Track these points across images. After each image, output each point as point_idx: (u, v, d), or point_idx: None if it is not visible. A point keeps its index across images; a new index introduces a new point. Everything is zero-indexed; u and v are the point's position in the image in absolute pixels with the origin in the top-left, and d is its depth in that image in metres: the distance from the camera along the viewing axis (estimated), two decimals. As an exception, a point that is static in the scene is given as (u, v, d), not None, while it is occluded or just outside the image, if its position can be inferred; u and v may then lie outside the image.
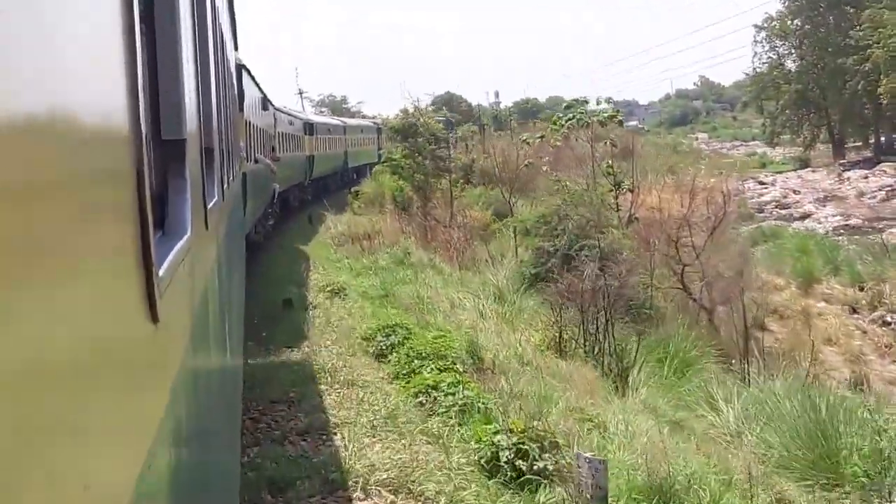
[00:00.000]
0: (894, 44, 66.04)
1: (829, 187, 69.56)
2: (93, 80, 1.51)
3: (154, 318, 1.93)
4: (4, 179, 0.95)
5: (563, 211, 27.33)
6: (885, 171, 69.38)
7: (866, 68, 72.80)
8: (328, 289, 21.91)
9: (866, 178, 69.76)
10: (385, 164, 46.02)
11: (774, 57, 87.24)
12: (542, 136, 50.49)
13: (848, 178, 71.06)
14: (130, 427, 1.71)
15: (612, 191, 31.12)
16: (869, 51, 71.60)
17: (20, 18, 1.05)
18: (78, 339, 1.29)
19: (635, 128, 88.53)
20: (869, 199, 63.73)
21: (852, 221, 56.60)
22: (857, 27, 74.01)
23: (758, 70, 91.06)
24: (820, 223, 56.63)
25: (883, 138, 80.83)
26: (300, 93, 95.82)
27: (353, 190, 47.06)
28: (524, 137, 52.87)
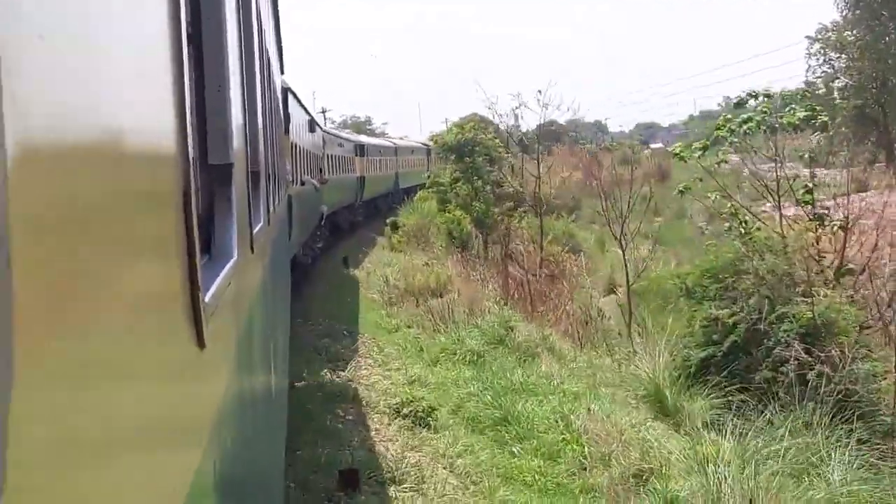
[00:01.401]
0: None
1: None
2: (141, 105, 1.54)
3: (201, 343, 1.95)
4: (56, 202, 0.97)
5: (742, 262, 18.43)
6: None
7: None
8: (404, 409, 14.18)
9: None
10: (430, 189, 40.35)
11: (830, 70, 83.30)
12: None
13: None
14: (177, 452, 1.73)
15: (812, 230, 20.02)
16: None
17: (70, 42, 1.07)
18: (126, 365, 1.30)
19: (661, 150, 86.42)
20: None
21: None
22: None
23: (811, 85, 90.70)
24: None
25: None
26: (323, 111, 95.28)
27: (389, 221, 39.73)
28: (640, 154, 48.71)
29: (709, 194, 23.60)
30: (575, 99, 52.57)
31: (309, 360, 16.98)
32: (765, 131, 21.96)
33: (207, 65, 3.17)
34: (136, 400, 1.37)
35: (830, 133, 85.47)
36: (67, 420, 0.99)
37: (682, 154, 21.95)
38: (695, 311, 17.67)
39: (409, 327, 21.20)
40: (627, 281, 24.04)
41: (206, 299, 2.07)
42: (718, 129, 21.73)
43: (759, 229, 19.95)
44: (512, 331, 18.98)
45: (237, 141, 3.53)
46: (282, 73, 15.48)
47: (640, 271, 25.39)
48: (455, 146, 36.76)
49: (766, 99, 23.74)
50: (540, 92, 32.88)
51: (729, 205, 21.29)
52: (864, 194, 73.90)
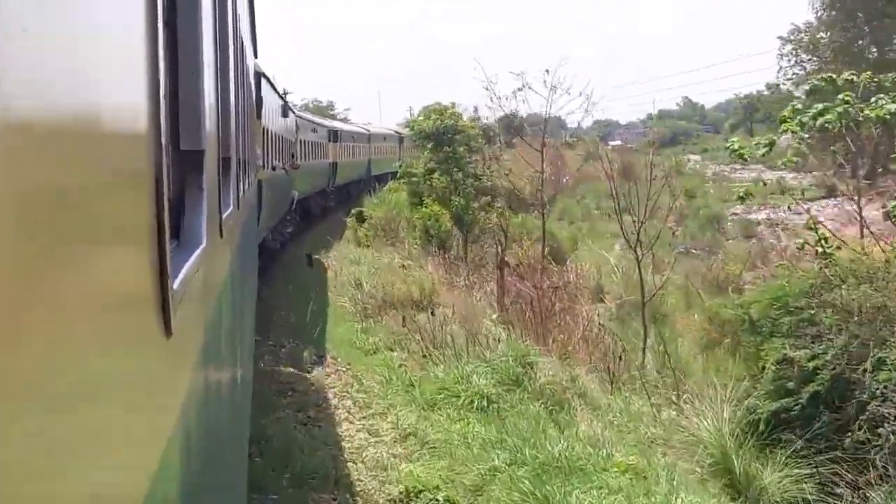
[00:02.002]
0: None
1: (878, 218, 65.60)
2: (115, 90, 1.52)
3: (168, 331, 1.94)
4: (22, 186, 0.96)
5: (823, 290, 14.47)
6: None
7: None
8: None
9: None
10: (401, 179, 38.07)
11: (801, 73, 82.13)
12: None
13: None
14: (142, 439, 1.72)
15: None
16: None
17: (45, 24, 1.06)
18: (92, 353, 1.30)
19: (621, 147, 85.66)
20: None
21: None
22: None
23: (781, 86, 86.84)
24: None
25: None
26: (284, 93, 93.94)
27: (353, 211, 36.81)
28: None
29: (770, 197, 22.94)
30: (589, 82, 49.12)
31: (271, 408, 13.45)
32: (841, 126, 18.74)
33: (182, 50, 3.16)
34: (102, 388, 1.36)
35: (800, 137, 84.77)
36: (32, 407, 0.98)
37: (741, 151, 18.58)
38: (761, 349, 13.62)
39: (390, 349, 17.13)
40: (643, 297, 20.82)
41: (175, 286, 2.06)
42: (785, 121, 18.26)
43: (839, 247, 15.91)
44: (531, 368, 14.98)
45: (209, 127, 3.53)
46: (255, 56, 15.42)
47: (662, 283, 22.66)
48: (433, 133, 33.61)
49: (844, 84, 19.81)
50: (547, 72, 27.99)
51: (808, 219, 17.32)
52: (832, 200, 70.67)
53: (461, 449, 11.82)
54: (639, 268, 21.22)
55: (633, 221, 21.50)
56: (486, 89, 29.58)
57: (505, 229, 27.44)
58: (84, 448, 1.24)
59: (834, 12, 79.21)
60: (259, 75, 17.64)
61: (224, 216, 4.39)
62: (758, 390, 13.30)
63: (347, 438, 12.73)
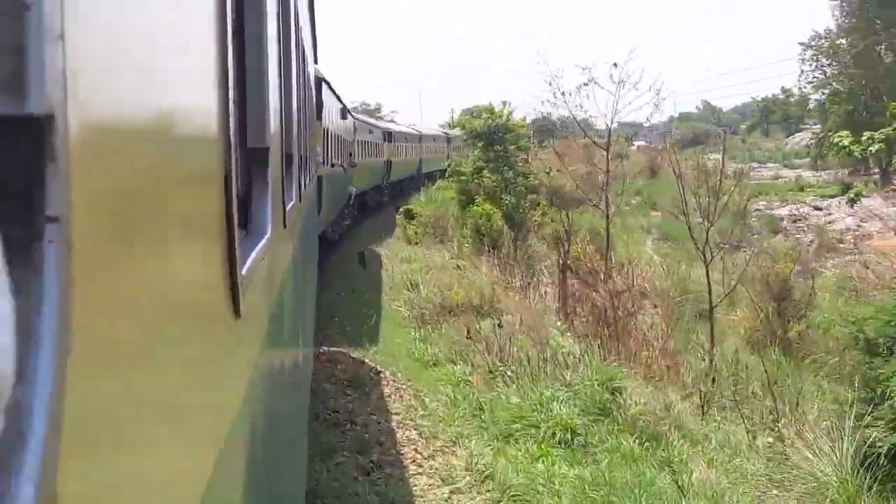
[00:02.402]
0: None
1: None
2: (189, 93, 1.55)
3: (237, 313, 1.97)
4: (108, 183, 0.98)
5: None
6: None
7: None
8: None
9: None
10: (451, 178, 35.77)
11: (822, 76, 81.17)
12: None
13: None
14: (215, 406, 1.75)
15: None
16: None
17: (128, 35, 1.08)
18: (171, 332, 1.32)
19: (647, 147, 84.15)
20: None
21: None
22: None
23: (803, 90, 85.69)
24: None
25: None
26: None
27: (401, 209, 34.90)
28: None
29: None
30: (659, 75, 44.35)
31: (328, 450, 10.59)
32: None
33: (249, 58, 3.20)
34: (180, 362, 1.39)
35: (820, 136, 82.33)
36: (123, 375, 1.01)
37: (851, 148, 16.16)
38: (880, 371, 10.76)
39: (452, 362, 14.45)
40: (711, 305, 18.58)
41: (243, 272, 2.09)
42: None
43: None
44: (619, 395, 12.26)
45: (273, 126, 3.56)
46: (315, 63, 15.48)
47: (731, 287, 20.41)
48: (484, 132, 31.70)
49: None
50: (616, 66, 25.29)
51: None
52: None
53: (549, 499, 9.43)
54: (707, 273, 18.79)
55: (699, 223, 20.47)
56: (550, 84, 26.77)
57: (567, 229, 24.45)
58: (166, 412, 1.27)
59: (854, 19, 77.38)
60: (320, 80, 17.73)
61: (287, 208, 4.42)
62: (879, 420, 10.39)
63: (418, 492, 10.00)
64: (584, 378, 12.41)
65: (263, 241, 2.89)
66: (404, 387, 13.66)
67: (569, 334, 17.28)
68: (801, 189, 69.97)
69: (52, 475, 0.69)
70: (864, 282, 19.50)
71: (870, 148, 14.86)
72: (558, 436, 10.93)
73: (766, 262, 24.34)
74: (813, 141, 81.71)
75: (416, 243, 28.35)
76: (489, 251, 25.41)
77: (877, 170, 78.27)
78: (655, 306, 21.38)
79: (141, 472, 1.14)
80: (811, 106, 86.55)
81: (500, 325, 15.64)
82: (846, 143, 15.12)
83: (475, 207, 28.87)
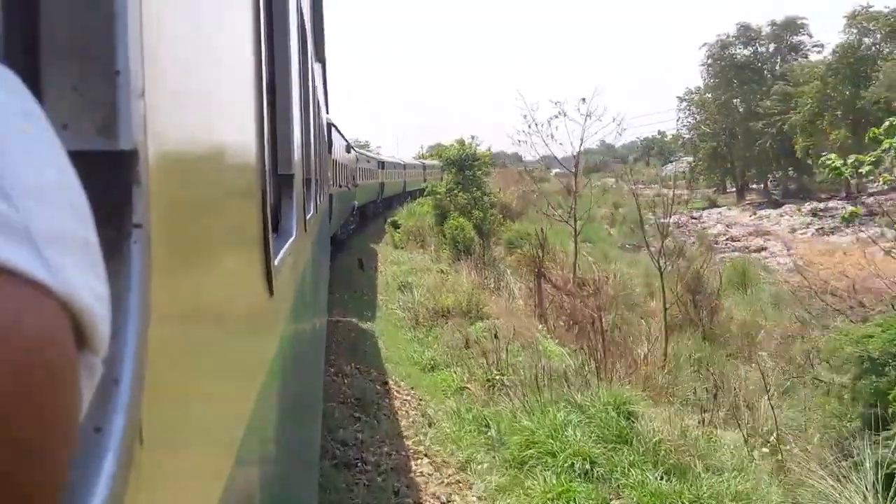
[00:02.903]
0: (809, 111, 61.83)
1: (750, 222, 54.23)
2: (236, 132, 1.55)
3: (271, 293, 1.97)
4: (178, 197, 0.99)
5: None
6: (797, 211, 54.10)
7: (773, 131, 68.97)
8: None
9: (780, 216, 54.46)
10: (429, 196, 33.73)
11: (693, 122, 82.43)
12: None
13: (764, 216, 56.09)
14: (255, 364, 1.75)
15: None
16: (777, 117, 68.06)
17: (193, 90, 1.09)
18: (225, 306, 1.33)
19: (563, 173, 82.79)
20: (801, 233, 46.49)
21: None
22: (765, 99, 70.76)
23: (679, 131, 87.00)
24: (774, 256, 38.48)
25: (777, 185, 76.28)
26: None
27: (389, 221, 34.06)
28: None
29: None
30: (620, 112, 40.15)
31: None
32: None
33: (279, 107, 3.20)
34: (229, 329, 1.39)
35: (693, 165, 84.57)
36: (185, 340, 1.01)
37: (839, 170, 12.24)
38: (887, 392, 8.22)
39: (448, 367, 11.80)
40: (665, 308, 14.79)
41: (275, 263, 2.09)
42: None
43: None
44: (635, 420, 8.85)
45: (296, 158, 3.56)
46: (327, 112, 15.45)
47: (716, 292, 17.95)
48: (457, 160, 30.74)
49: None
50: (584, 101, 22.55)
51: None
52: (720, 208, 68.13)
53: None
54: (661, 282, 15.40)
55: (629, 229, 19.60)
56: (525, 117, 23.92)
57: (543, 241, 20.63)
58: (220, 364, 1.27)
59: (716, 79, 78.98)
60: (330, 125, 17.67)
61: (307, 217, 4.42)
62: (881, 441, 7.72)
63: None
64: (595, 400, 9.21)
65: (290, 241, 2.89)
66: (408, 397, 10.87)
67: (551, 338, 14.30)
68: (678, 204, 71.01)
69: (137, 409, 0.70)
70: (802, 289, 17.01)
71: (860, 169, 12.98)
72: (577, 466, 7.97)
73: (682, 262, 21.54)
74: (687, 168, 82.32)
75: (402, 248, 27.23)
76: (464, 256, 23.35)
77: (733, 189, 79.98)
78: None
79: (203, 407, 1.15)
80: (684, 144, 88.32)
81: (496, 336, 12.67)
82: (837, 164, 13.11)
83: (451, 221, 26.57)
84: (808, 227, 48.13)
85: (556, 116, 22.95)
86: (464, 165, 30.32)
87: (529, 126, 23.54)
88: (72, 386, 0.41)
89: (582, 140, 22.96)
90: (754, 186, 79.00)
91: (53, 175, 0.44)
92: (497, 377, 10.72)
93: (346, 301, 17.50)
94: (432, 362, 12.45)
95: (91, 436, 0.63)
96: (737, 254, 39.18)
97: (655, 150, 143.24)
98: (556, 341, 14.18)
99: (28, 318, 0.38)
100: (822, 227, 47.08)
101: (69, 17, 0.73)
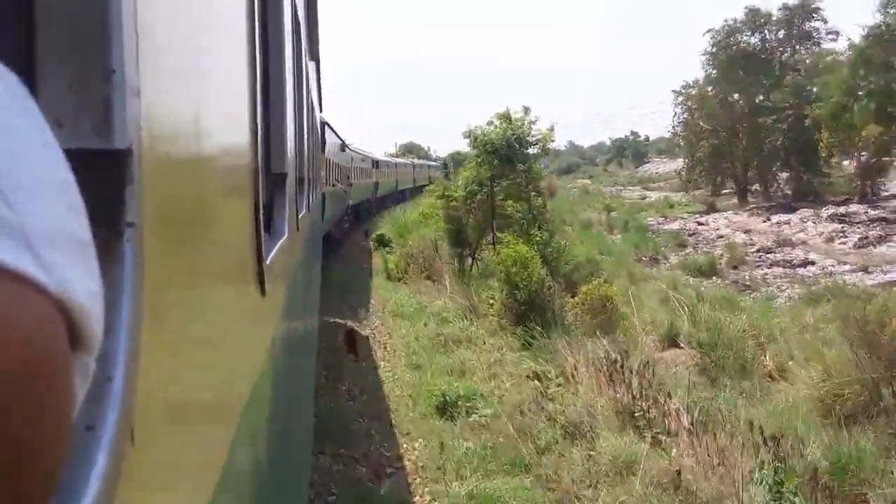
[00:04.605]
0: (834, 103, 53.80)
1: (768, 229, 44.67)
2: (230, 131, 1.56)
3: (263, 292, 1.98)
4: (169, 195, 0.99)
5: None
6: (815, 215, 46.34)
7: (784, 126, 61.64)
8: None
9: (802, 221, 45.20)
10: (443, 198, 20.60)
11: (690, 118, 73.68)
12: None
13: (783, 223, 46.34)
14: (247, 361, 1.76)
15: None
16: (790, 111, 61.00)
17: (188, 90, 1.09)
18: (214, 304, 1.33)
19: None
20: (839, 244, 37.49)
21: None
22: (775, 91, 63.77)
23: (675, 128, 77.39)
24: (830, 273, 28.77)
25: (785, 187, 67.89)
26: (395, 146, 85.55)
27: (373, 235, 25.94)
28: None
29: None
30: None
31: None
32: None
33: (272, 107, 3.20)
34: (221, 328, 1.40)
35: (692, 165, 77.05)
36: (175, 340, 1.02)
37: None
38: None
39: None
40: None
41: (267, 262, 2.09)
42: None
43: None
44: None
45: (289, 157, 3.56)
46: (321, 111, 15.42)
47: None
48: (501, 146, 18.06)
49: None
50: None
51: None
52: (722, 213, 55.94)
53: None
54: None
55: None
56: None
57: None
58: (212, 363, 1.28)
59: (716, 71, 71.67)
60: (323, 124, 17.65)
61: (300, 216, 4.42)
62: None
63: None
64: None
65: (281, 241, 2.89)
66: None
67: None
68: (671, 207, 64.22)
69: (129, 408, 0.71)
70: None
71: None
72: None
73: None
74: (685, 168, 75.38)
75: (399, 279, 18.50)
76: (528, 318, 12.51)
77: (729, 191, 74.01)
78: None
79: (194, 405, 1.15)
80: (679, 142, 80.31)
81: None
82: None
83: (506, 250, 14.85)
84: (844, 236, 39.00)
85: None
86: (512, 155, 18.20)
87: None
88: (65, 385, 0.42)
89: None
90: (753, 188, 71.27)
91: (49, 173, 0.45)
92: None
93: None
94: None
95: (83, 434, 0.63)
96: (800, 272, 29.35)
97: (630, 150, 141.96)
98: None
99: (22, 316, 0.38)
100: (865, 237, 38.12)
101: (65, 16, 0.74)
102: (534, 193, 18.54)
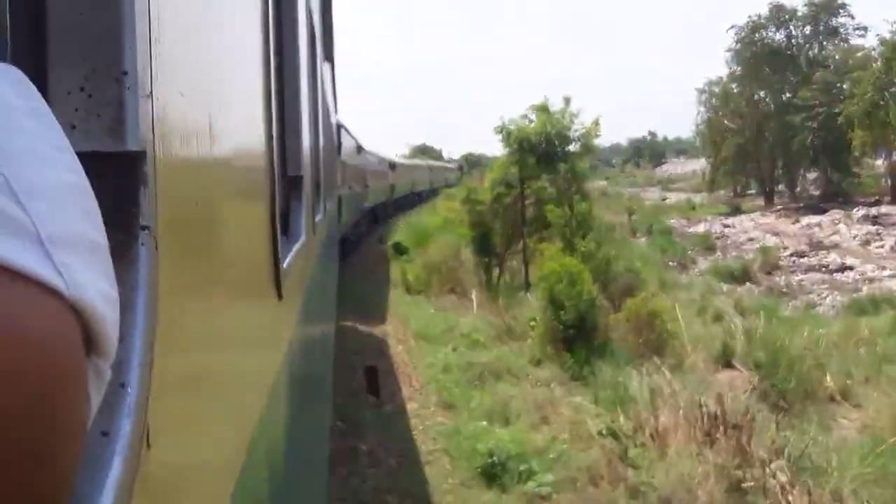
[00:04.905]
0: (868, 100, 51.17)
1: (799, 232, 41.98)
2: (247, 135, 1.56)
3: (280, 296, 1.98)
4: (184, 199, 0.99)
5: None
6: (846, 216, 43.64)
7: (814, 125, 59.08)
8: None
9: (833, 223, 42.48)
10: (467, 202, 18.80)
11: (714, 116, 70.97)
12: None
13: (814, 225, 43.38)
14: (264, 364, 1.75)
15: None
16: (820, 108, 58.34)
17: (203, 93, 1.09)
18: (230, 308, 1.33)
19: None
20: (876, 247, 34.79)
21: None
22: (803, 89, 61.10)
23: (698, 126, 75.12)
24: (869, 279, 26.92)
25: (811, 187, 65.50)
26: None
27: (390, 244, 24.27)
28: None
29: None
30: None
31: None
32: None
33: (288, 112, 3.22)
34: (238, 332, 1.39)
35: (717, 165, 74.25)
36: (193, 342, 1.01)
37: None
38: None
39: None
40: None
41: (284, 266, 2.09)
42: None
43: None
44: None
45: (306, 161, 3.57)
46: (336, 113, 15.49)
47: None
48: (543, 142, 16.06)
49: None
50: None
51: None
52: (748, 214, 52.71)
53: None
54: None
55: None
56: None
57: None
58: (229, 367, 1.27)
59: (741, 68, 69.13)
60: (339, 127, 17.70)
61: (316, 220, 4.43)
62: None
63: None
64: None
65: (298, 244, 2.90)
66: None
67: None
68: (693, 209, 60.83)
69: (144, 413, 0.70)
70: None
71: None
72: None
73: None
74: (707, 168, 72.86)
75: (420, 292, 17.11)
76: (575, 342, 11.13)
77: (753, 192, 71.56)
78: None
79: (210, 410, 1.15)
80: (696, 142, 78.45)
81: None
82: None
83: (549, 263, 12.94)
84: (880, 239, 36.30)
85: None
86: (552, 153, 16.22)
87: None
88: (79, 388, 0.41)
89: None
90: (778, 189, 68.75)
91: (62, 176, 0.44)
92: None
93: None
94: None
95: (98, 439, 0.63)
96: (837, 277, 27.66)
97: (647, 151, 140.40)
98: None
99: (35, 317, 0.38)
100: (906, 239, 35.26)
101: (77, 18, 0.73)
102: (577, 196, 16.06)
